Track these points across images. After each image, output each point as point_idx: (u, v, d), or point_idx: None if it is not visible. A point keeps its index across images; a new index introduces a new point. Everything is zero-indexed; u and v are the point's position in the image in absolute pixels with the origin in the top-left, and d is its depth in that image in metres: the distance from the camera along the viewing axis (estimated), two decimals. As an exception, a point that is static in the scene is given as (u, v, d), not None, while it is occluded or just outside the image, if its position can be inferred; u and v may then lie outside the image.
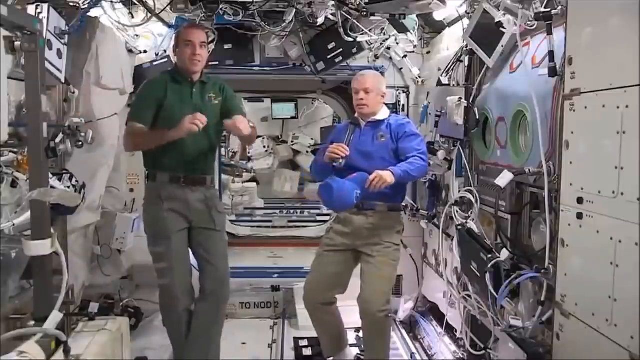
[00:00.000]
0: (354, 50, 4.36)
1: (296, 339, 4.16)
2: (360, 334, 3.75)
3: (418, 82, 4.54)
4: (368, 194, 3.23)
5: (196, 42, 3.16)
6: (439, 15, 4.02)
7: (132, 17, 3.90)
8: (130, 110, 3.30)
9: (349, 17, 3.87)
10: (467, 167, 3.42)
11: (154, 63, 4.14)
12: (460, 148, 3.47)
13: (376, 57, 4.53)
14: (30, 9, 2.68)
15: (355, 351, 3.77)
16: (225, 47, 4.34)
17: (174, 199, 3.21)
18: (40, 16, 2.69)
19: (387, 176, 3.08)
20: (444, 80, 3.76)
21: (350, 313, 3.57)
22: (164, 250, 3.21)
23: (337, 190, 3.12)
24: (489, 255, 2.74)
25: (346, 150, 3.25)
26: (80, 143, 3.07)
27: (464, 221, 3.24)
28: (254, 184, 7.64)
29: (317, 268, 3.52)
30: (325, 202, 3.31)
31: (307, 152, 7.90)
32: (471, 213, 3.20)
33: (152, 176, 3.28)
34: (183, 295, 3.26)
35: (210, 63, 3.92)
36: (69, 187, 3.00)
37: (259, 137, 8.11)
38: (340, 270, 3.46)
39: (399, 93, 4.64)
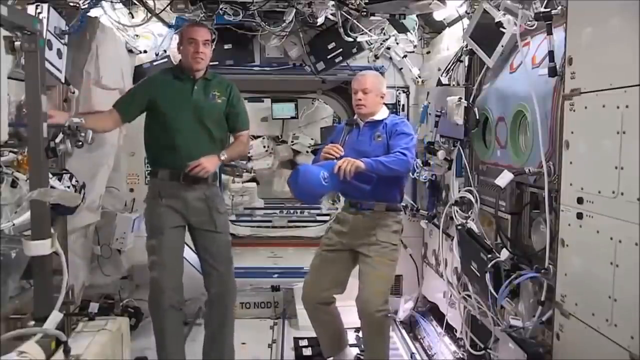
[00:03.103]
0: (354, 50, 4.36)
1: (296, 339, 4.16)
2: (360, 334, 3.75)
3: (418, 82, 4.54)
4: (366, 194, 3.24)
5: (199, 40, 3.19)
6: (439, 15, 4.02)
7: (132, 17, 3.90)
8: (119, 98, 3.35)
9: (349, 17, 3.86)
10: (467, 167, 3.42)
11: (154, 63, 4.15)
12: (460, 148, 3.47)
13: (376, 57, 4.54)
14: (30, 9, 2.68)
15: (355, 351, 3.77)
16: (225, 47, 4.34)
17: (173, 196, 3.24)
18: (40, 16, 2.69)
19: (356, 160, 3.05)
20: (444, 80, 3.76)
21: (349, 313, 3.56)
22: (156, 244, 3.24)
23: (303, 172, 3.07)
24: (489, 255, 2.74)
25: (340, 150, 3.26)
26: (80, 143, 3.07)
27: (464, 221, 3.24)
28: (254, 184, 7.64)
29: (316, 268, 3.52)
30: (293, 188, 3.15)
31: (307, 152, 7.88)
32: (471, 213, 3.20)
33: (153, 173, 3.34)
34: (170, 291, 3.23)
35: (210, 63, 3.91)
36: (69, 187, 3.01)
37: (258, 137, 8.13)
38: (338, 270, 3.46)
39: (399, 93, 4.65)
